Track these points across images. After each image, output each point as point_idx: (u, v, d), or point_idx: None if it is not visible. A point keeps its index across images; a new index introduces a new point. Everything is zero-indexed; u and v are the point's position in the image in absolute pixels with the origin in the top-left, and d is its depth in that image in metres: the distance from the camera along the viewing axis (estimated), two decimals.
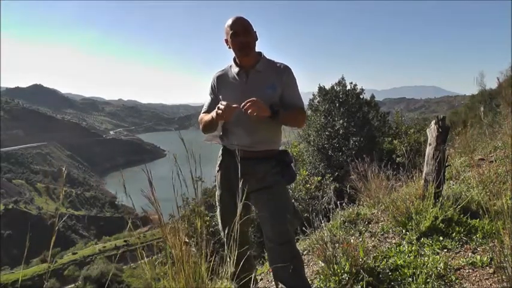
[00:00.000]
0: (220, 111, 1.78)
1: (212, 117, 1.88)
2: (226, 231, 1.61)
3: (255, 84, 1.91)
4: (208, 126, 1.98)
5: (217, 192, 2.10)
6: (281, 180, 1.94)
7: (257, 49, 1.99)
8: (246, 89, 1.90)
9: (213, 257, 1.61)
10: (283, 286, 1.90)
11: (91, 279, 33.38)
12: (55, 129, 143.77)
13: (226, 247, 1.69)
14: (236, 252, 1.56)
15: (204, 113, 2.07)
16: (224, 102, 1.78)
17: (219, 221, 2.10)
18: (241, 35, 1.86)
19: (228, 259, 1.63)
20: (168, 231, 1.50)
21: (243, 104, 1.74)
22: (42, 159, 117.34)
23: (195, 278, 1.48)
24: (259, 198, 1.90)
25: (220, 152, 2.08)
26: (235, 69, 1.97)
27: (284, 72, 1.95)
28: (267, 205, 1.90)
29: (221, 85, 2.01)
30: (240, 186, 1.55)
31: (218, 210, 2.10)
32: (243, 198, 1.54)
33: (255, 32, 1.94)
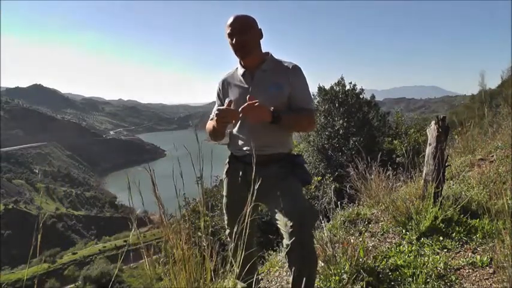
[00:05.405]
0: (216, 117, 1.72)
1: (213, 125, 1.80)
2: (234, 236, 1.56)
3: (261, 84, 1.83)
4: (214, 135, 1.90)
5: (224, 201, 2.03)
6: (290, 177, 1.82)
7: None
8: (252, 89, 1.83)
9: (216, 257, 1.61)
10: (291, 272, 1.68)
11: (91, 279, 33.38)
12: (55, 129, 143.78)
13: (232, 251, 1.65)
14: (242, 253, 1.52)
15: (211, 120, 1.96)
16: (221, 107, 1.72)
17: (227, 229, 2.03)
18: (237, 34, 1.77)
19: (233, 260, 1.61)
20: (170, 231, 1.49)
21: (242, 107, 1.65)
22: (42, 159, 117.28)
23: (197, 278, 1.48)
24: (270, 196, 1.78)
25: (227, 159, 2.01)
26: (240, 71, 1.90)
27: (291, 72, 1.84)
28: (281, 195, 1.74)
29: (227, 89, 1.94)
30: (244, 190, 1.48)
31: (226, 219, 2.03)
32: (252, 201, 1.48)
33: (260, 29, 1.84)
